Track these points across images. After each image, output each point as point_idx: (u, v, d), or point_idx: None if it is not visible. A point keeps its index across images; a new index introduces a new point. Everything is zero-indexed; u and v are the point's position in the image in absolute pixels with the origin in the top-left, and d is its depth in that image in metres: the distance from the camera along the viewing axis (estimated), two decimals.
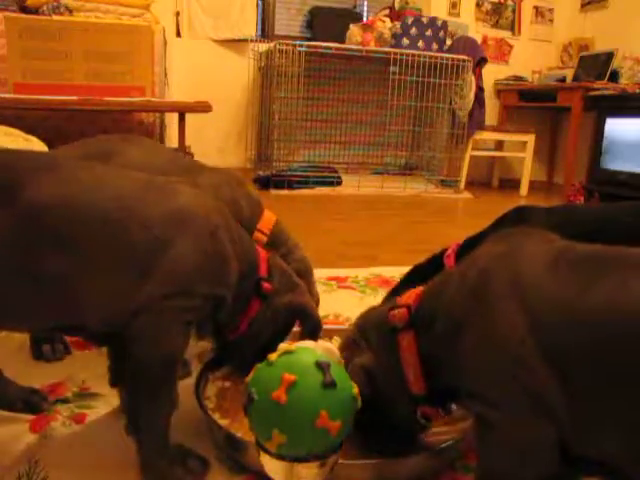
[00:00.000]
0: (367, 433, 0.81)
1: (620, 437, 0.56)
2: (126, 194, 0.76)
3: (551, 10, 5.22)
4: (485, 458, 0.66)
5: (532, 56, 5.17)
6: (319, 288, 1.63)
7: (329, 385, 0.62)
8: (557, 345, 0.59)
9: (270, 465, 0.65)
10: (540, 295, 0.61)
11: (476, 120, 4.34)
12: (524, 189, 4.52)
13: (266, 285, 0.91)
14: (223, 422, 0.90)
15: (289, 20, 4.76)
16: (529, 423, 0.60)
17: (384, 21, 4.35)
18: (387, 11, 4.55)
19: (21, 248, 0.69)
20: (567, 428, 0.59)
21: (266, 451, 0.64)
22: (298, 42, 3.97)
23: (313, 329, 0.99)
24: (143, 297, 0.73)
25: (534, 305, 0.61)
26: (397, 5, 4.68)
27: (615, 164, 4.03)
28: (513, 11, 5.13)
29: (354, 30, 4.27)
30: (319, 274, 1.60)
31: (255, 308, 0.91)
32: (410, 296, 0.77)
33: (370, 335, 0.80)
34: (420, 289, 0.78)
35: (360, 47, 4.13)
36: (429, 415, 0.78)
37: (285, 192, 3.80)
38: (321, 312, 1.44)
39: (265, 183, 3.90)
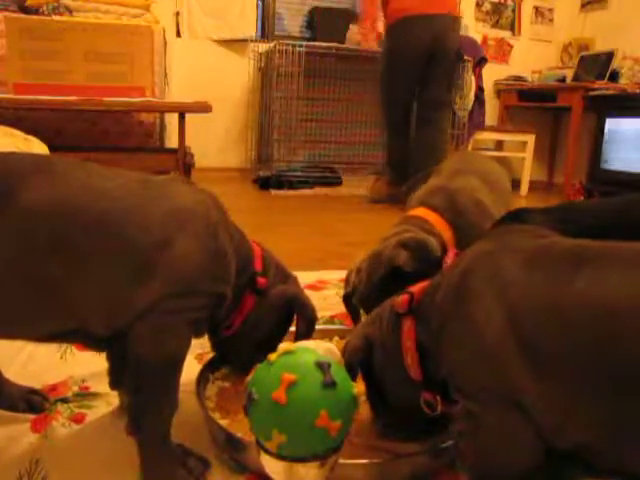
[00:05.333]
0: (374, 407, 0.87)
1: (593, 428, 0.57)
2: (122, 194, 0.75)
3: (551, 10, 5.22)
4: (472, 450, 0.68)
5: (532, 56, 5.17)
6: (326, 291, 1.64)
7: (329, 385, 0.62)
8: (534, 340, 0.59)
9: (270, 465, 0.65)
10: (518, 291, 0.62)
11: (476, 120, 4.34)
12: (524, 189, 4.52)
13: (261, 280, 0.91)
14: (223, 422, 0.89)
15: (289, 20, 4.76)
16: (507, 417, 0.61)
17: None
18: None
19: (18, 253, 0.69)
20: (542, 422, 0.59)
21: (266, 451, 0.64)
22: (298, 42, 3.97)
23: (308, 318, 0.97)
24: (146, 299, 0.73)
25: (512, 301, 0.62)
26: None
27: (615, 164, 4.03)
28: (513, 11, 5.13)
29: (354, 30, 4.27)
30: (323, 276, 1.60)
31: (249, 304, 0.90)
32: (418, 286, 0.80)
33: (384, 315, 0.83)
34: (429, 282, 0.80)
35: (360, 47, 4.13)
36: (430, 402, 0.79)
37: (285, 192, 3.81)
38: (327, 313, 1.44)
39: (265, 183, 3.90)
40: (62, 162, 0.77)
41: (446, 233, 1.28)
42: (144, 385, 0.76)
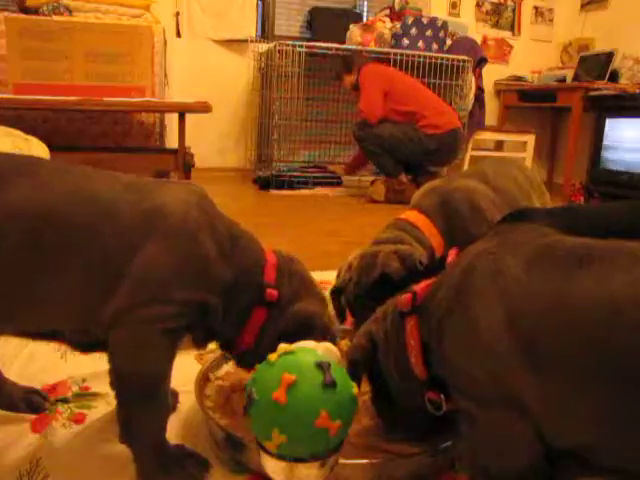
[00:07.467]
0: (379, 409, 0.87)
1: (594, 428, 0.57)
2: (101, 197, 0.73)
3: (551, 10, 5.21)
4: (470, 450, 0.68)
5: (532, 56, 5.17)
6: (326, 291, 1.62)
7: (329, 385, 0.62)
8: (534, 340, 0.59)
9: (270, 465, 0.65)
10: (520, 290, 0.61)
11: (476, 120, 4.34)
12: None
13: (271, 292, 0.84)
14: (223, 422, 0.89)
15: (289, 20, 4.76)
16: (505, 417, 0.61)
17: (384, 21, 4.35)
18: (387, 11, 4.54)
19: None
20: (542, 422, 0.59)
21: (266, 451, 0.64)
22: (297, 42, 3.97)
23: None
24: (117, 305, 0.71)
25: (513, 300, 0.61)
26: (397, 5, 4.68)
27: (615, 164, 4.03)
28: (513, 11, 5.13)
29: (354, 30, 4.27)
30: (322, 276, 1.59)
31: (260, 318, 0.84)
32: (421, 285, 0.80)
33: (388, 314, 0.83)
34: (432, 281, 0.80)
35: (360, 47, 4.13)
36: (435, 401, 0.78)
37: (285, 192, 3.81)
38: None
39: (265, 183, 3.90)
40: (48, 165, 0.76)
41: (435, 239, 1.27)
42: (127, 397, 0.75)
